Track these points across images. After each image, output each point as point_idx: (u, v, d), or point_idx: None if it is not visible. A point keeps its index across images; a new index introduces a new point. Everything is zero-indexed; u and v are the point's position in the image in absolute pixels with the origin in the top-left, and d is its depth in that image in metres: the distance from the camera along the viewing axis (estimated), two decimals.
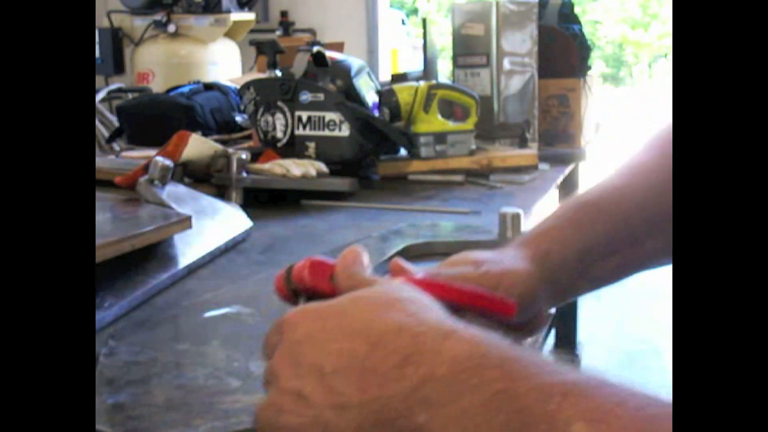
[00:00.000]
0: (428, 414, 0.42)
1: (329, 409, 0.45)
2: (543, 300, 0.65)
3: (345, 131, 1.74)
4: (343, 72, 1.84)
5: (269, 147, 1.79)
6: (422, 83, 1.87)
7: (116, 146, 2.14)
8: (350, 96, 1.81)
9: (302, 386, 0.45)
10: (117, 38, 4.06)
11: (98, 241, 0.99)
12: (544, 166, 1.92)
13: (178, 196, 1.34)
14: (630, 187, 0.70)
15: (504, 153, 1.92)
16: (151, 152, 1.62)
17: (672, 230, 0.67)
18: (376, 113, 1.85)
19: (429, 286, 0.56)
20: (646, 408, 0.38)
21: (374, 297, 0.49)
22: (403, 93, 1.83)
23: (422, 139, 1.83)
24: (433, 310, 0.48)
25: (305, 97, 1.76)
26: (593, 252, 0.67)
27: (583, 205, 0.70)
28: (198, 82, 2.30)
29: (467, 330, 0.45)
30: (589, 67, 2.37)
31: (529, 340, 0.68)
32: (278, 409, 0.47)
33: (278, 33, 4.66)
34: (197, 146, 1.56)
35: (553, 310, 0.70)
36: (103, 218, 1.21)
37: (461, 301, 0.57)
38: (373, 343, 0.44)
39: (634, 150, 0.74)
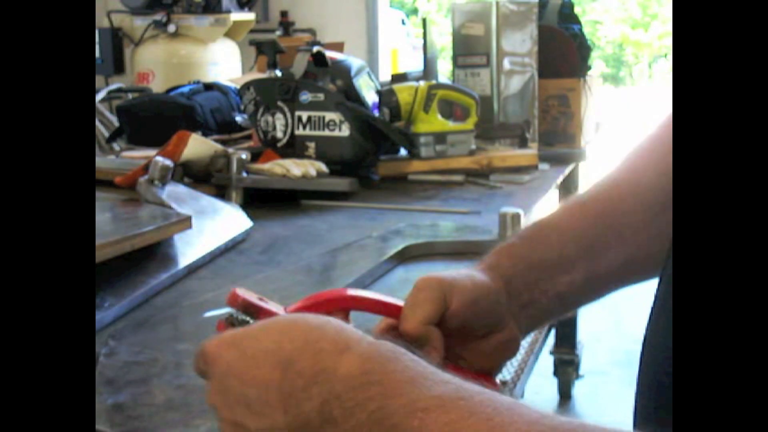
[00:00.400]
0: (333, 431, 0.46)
1: None
2: (504, 307, 0.66)
3: (345, 131, 1.74)
4: (343, 72, 1.84)
5: (269, 147, 1.79)
6: (422, 83, 1.87)
7: (116, 146, 2.14)
8: (350, 96, 1.81)
9: (236, 415, 0.50)
10: (117, 38, 4.05)
11: (98, 241, 0.99)
12: (544, 166, 1.92)
13: (178, 196, 1.34)
14: (592, 202, 0.73)
15: (504, 153, 1.92)
16: (151, 152, 1.62)
17: (631, 245, 0.69)
18: (376, 113, 1.85)
19: (316, 304, 0.60)
20: (495, 418, 0.42)
21: (280, 319, 0.54)
22: (403, 93, 1.83)
23: (422, 139, 1.82)
24: (331, 323, 0.51)
25: (305, 97, 1.76)
26: (546, 265, 0.68)
27: (536, 225, 0.73)
28: (198, 82, 2.29)
29: (361, 344, 0.48)
30: (589, 67, 2.36)
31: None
32: None
33: (278, 33, 4.65)
34: (197, 146, 1.56)
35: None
36: (103, 218, 1.21)
37: (350, 307, 0.60)
38: (284, 367, 0.48)
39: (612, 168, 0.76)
